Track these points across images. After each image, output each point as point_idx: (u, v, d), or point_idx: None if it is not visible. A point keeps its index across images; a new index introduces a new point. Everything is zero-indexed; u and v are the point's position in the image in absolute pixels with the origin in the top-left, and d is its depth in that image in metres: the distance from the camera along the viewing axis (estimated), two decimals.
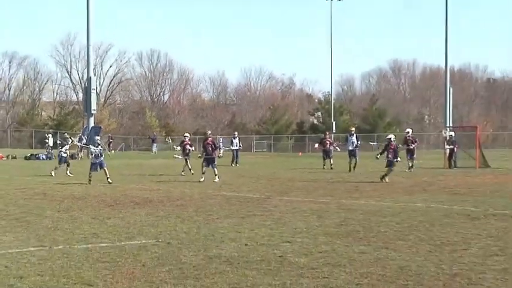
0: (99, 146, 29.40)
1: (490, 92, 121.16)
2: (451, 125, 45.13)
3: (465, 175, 32.18)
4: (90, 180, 28.08)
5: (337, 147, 41.92)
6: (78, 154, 53.98)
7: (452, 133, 41.07)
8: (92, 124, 55.72)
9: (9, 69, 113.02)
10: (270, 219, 16.57)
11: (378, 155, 30.45)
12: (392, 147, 29.28)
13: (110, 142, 71.58)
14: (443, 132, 41.10)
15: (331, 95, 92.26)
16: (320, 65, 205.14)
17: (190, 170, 33.96)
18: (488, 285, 9.39)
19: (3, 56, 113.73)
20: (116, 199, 21.91)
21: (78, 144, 43.89)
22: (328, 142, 40.75)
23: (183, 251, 12.20)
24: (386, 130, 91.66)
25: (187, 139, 35.89)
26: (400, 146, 39.58)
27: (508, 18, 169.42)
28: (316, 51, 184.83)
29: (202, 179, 28.74)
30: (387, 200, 21.34)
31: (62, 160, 33.88)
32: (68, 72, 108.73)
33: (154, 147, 75.31)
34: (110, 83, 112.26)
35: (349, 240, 13.25)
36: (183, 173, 33.53)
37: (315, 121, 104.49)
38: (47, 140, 57.38)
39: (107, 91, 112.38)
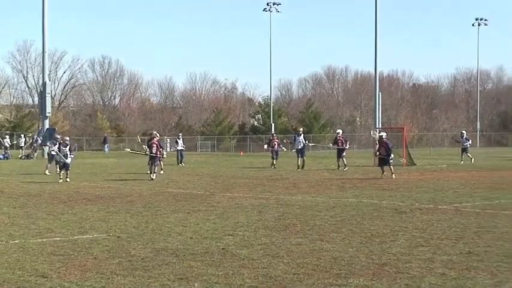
0: (67, 147, 29.14)
1: (415, 96, 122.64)
2: (380, 126, 45.50)
3: (393, 172, 32.46)
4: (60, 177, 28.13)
5: (283, 148, 41.76)
6: (33, 154, 53.54)
7: (384, 133, 41.30)
8: (46, 126, 54.89)
9: None
10: (213, 214, 16.55)
11: (376, 153, 31.01)
12: (384, 145, 29.57)
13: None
14: (371, 133, 41.30)
15: (271, 98, 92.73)
16: (260, 70, 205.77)
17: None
18: (414, 273, 9.46)
19: None
20: (69, 196, 21.69)
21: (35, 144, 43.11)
22: (276, 143, 40.55)
23: (132, 244, 12.12)
24: (321, 131, 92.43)
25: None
26: (330, 145, 40.05)
27: (429, 27, 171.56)
28: (256, 57, 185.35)
29: (154, 176, 28.61)
30: (322, 195, 21.45)
31: (51, 158, 33.35)
32: (24, 77, 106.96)
33: (106, 148, 74.59)
34: (64, 88, 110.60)
35: (287, 233, 13.29)
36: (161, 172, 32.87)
37: (256, 123, 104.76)
38: (3, 141, 56.42)
39: (61, 95, 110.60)
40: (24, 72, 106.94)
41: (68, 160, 28.47)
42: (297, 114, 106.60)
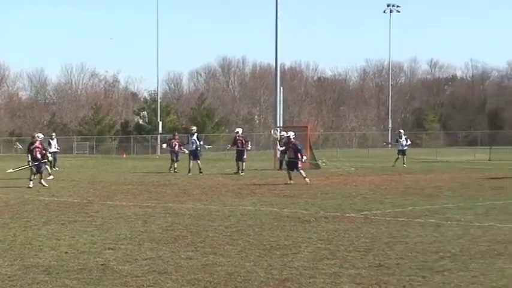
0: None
1: (321, 91, 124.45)
2: (281, 125, 45.97)
3: (295, 176, 32.83)
4: None
5: (184, 149, 41.43)
6: None
7: (292, 133, 41.67)
8: None
9: None
10: (92, 225, 16.38)
11: (283, 153, 30.93)
12: (292, 146, 29.61)
13: None
14: (272, 133, 41.68)
15: (158, 93, 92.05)
16: (146, 62, 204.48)
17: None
18: None
19: None
20: None
21: None
22: (176, 143, 40.15)
23: None
24: (215, 130, 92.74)
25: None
26: (230, 146, 40.10)
27: (336, 15, 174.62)
28: (141, 47, 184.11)
29: (31, 185, 27.85)
30: (216, 203, 21.51)
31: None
32: None
33: None
34: None
35: (176, 246, 13.27)
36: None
37: (141, 121, 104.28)
38: None
39: None
40: None
41: None
42: (188, 111, 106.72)
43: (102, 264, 11.46)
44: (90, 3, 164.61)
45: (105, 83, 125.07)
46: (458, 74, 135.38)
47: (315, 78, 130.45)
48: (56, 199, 23.24)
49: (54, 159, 43.44)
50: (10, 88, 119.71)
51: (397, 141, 45.16)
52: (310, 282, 10.01)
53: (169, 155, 40.66)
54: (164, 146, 42.75)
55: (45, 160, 29.61)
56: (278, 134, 41.02)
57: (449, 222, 16.34)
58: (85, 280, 10.29)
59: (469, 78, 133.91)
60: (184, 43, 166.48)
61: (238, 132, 39.09)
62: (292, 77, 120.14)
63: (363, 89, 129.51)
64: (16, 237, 14.68)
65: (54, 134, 49.85)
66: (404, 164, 43.20)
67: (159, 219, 17.59)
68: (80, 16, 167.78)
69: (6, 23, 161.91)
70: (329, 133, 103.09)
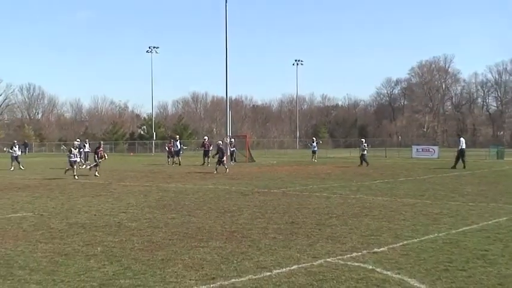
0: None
1: (255, 113, 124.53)
2: (229, 134, 45.77)
3: (239, 167, 32.81)
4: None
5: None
6: None
7: (233, 139, 41.64)
8: None
9: None
10: (111, 198, 16.20)
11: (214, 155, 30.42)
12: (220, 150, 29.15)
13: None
14: (225, 139, 41.53)
15: (153, 114, 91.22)
16: (145, 94, 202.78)
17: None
18: (254, 237, 9.60)
19: None
20: (4, 186, 20.83)
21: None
22: (171, 147, 39.19)
23: (52, 220, 11.77)
24: (188, 138, 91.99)
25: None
26: (199, 147, 39.68)
27: (266, 64, 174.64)
28: (142, 85, 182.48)
29: (97, 174, 26.08)
30: (189, 183, 21.40)
31: (84, 157, 33.51)
32: None
33: (26, 151, 71.47)
34: (0, 106, 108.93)
35: (164, 211, 13.17)
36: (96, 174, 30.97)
37: (142, 132, 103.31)
38: None
39: None
40: None
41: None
42: (172, 126, 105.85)
43: (118, 222, 11.35)
44: (111, 58, 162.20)
45: (119, 108, 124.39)
46: (340, 103, 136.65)
47: (251, 105, 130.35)
48: (88, 181, 22.90)
49: (87, 156, 42.74)
50: (59, 111, 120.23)
51: (311, 144, 44.93)
52: (249, 233, 10.02)
53: (163, 154, 40.21)
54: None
55: (102, 158, 27.34)
56: (229, 140, 40.99)
57: (335, 195, 16.50)
58: (107, 232, 10.20)
59: (346, 106, 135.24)
60: (168, 81, 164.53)
61: (205, 139, 38.86)
62: (237, 104, 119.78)
63: (280, 111, 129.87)
64: (63, 205, 14.55)
65: (87, 140, 48.94)
66: (315, 160, 42.40)
67: (154, 193, 17.46)
68: (103, 65, 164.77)
69: (61, 66, 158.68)
70: (260, 140, 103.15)
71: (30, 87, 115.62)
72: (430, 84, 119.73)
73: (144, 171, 30.54)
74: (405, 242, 9.07)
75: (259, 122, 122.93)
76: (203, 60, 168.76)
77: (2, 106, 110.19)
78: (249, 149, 43.25)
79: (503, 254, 8.17)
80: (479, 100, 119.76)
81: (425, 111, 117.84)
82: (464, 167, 30.24)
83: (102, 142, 31.21)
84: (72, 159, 25.65)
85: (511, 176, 24.64)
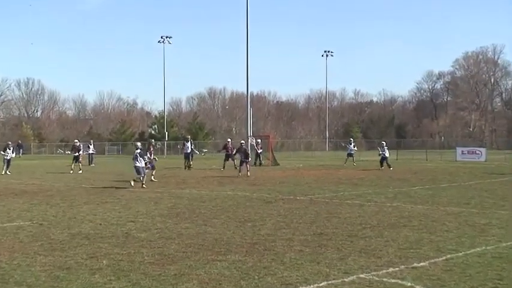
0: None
1: (279, 111, 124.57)
2: (251, 134, 45.78)
3: (261, 171, 32.80)
4: None
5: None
6: None
7: (259, 140, 41.47)
8: None
9: None
10: (118, 205, 16.29)
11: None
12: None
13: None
14: (250, 140, 41.40)
15: (164, 112, 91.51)
16: (156, 89, 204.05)
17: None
18: (278, 250, 9.57)
19: None
20: None
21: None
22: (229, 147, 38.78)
23: (52, 230, 11.84)
24: (205, 139, 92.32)
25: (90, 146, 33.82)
26: (220, 150, 39.59)
27: (288, 57, 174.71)
28: (153, 79, 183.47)
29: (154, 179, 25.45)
30: (205, 189, 21.43)
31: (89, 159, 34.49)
32: None
33: (20, 152, 72.09)
34: None
35: (178, 220, 13.20)
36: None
37: (153, 131, 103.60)
38: None
39: None
40: None
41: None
42: (186, 125, 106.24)
43: (125, 233, 11.39)
44: (120, 51, 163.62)
45: (128, 104, 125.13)
46: (374, 99, 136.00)
47: (275, 101, 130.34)
48: (93, 186, 23.07)
49: (91, 158, 43.21)
50: (60, 108, 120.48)
51: (348, 146, 42.62)
52: (272, 245, 9.99)
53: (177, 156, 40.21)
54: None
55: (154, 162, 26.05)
56: (254, 141, 41.00)
57: (369, 203, 16.41)
58: (114, 243, 10.23)
59: (381, 102, 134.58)
60: (183, 76, 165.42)
61: (229, 141, 38.22)
62: (259, 100, 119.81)
63: (308, 109, 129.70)
64: (65, 213, 14.63)
65: (92, 140, 49.48)
66: (354, 163, 39.85)
67: (165, 200, 17.52)
68: (110, 57, 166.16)
69: (62, 59, 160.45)
70: (284, 140, 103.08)
71: (28, 82, 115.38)
72: (476, 77, 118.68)
73: (155, 175, 30.61)
74: (448, 256, 8.98)
75: (284, 121, 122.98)
76: (221, 52, 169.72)
77: None
78: (272, 151, 43.22)
79: None
80: None
81: (472, 109, 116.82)
82: None
83: (153, 141, 30.75)
84: (137, 164, 22.62)
85: None
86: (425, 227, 11.84)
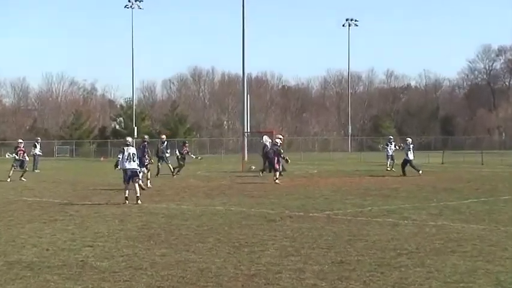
0: None
1: (285, 99, 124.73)
2: (248, 130, 45.87)
3: (262, 178, 32.82)
4: None
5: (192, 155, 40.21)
6: None
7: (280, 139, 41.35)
8: None
9: None
10: (71, 224, 16.30)
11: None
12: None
13: None
14: (264, 140, 41.32)
15: (133, 100, 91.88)
16: (122, 71, 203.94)
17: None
18: (285, 284, 9.56)
19: None
20: None
21: None
22: (187, 151, 39.17)
23: None
24: (186, 135, 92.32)
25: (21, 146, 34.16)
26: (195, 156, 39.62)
27: (298, 27, 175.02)
28: (118, 57, 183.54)
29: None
30: (188, 203, 21.44)
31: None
32: None
33: None
34: None
35: (151, 244, 13.20)
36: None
37: (117, 126, 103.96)
38: None
39: None
40: None
41: None
42: (161, 117, 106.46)
43: (81, 261, 11.38)
44: (68, 13, 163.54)
45: (84, 90, 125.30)
46: (413, 83, 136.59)
47: (280, 86, 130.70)
48: (38, 199, 23.10)
49: (36, 162, 43.20)
50: None
51: (385, 146, 42.92)
52: (276, 278, 9.97)
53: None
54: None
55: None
56: (268, 140, 41.06)
57: (405, 222, 16.39)
58: (65, 276, 10.20)
59: (422, 87, 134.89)
60: (157, 53, 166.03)
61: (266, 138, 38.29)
62: (258, 85, 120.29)
63: (324, 96, 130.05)
64: (0, 235, 14.58)
65: (39, 138, 49.41)
66: (393, 169, 40.64)
67: (134, 218, 17.52)
68: (60, 29, 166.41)
69: None
70: (293, 138, 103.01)
71: None
72: None
73: (120, 183, 30.60)
74: None
75: (292, 112, 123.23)
76: (209, 22, 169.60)
77: None
78: None
79: None
80: None
81: None
82: None
83: (147, 137, 31.28)
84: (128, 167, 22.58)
85: None
86: (480, 254, 11.84)
